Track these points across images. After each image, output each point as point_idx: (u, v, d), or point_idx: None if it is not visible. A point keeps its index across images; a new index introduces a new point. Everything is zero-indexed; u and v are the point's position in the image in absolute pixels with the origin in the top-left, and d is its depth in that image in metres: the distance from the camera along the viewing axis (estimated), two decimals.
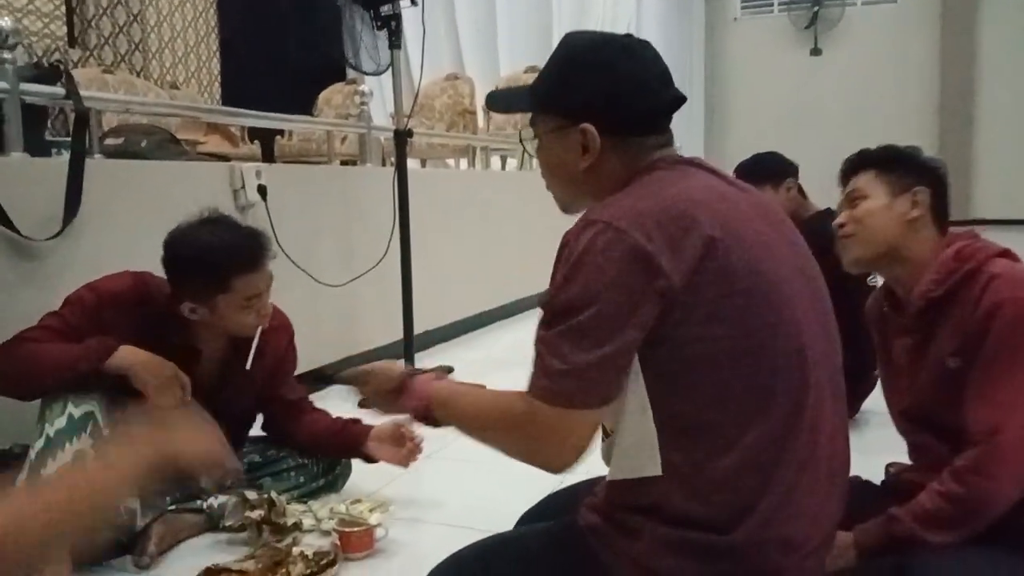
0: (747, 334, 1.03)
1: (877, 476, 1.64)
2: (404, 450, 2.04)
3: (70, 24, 6.81)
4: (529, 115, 1.25)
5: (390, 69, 3.25)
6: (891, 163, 1.51)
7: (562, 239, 1.08)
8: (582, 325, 1.02)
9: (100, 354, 1.72)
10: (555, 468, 1.09)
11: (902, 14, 8.84)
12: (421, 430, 1.97)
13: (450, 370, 3.54)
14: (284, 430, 2.13)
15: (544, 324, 1.06)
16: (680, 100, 1.17)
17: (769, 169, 2.78)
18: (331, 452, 2.13)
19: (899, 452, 1.62)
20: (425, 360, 3.55)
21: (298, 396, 2.17)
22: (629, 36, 1.19)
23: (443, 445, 2.57)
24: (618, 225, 1.02)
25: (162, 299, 1.89)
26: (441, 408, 1.22)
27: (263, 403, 2.11)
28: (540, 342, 1.06)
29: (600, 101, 1.14)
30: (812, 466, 1.07)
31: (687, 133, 7.75)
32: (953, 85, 8.49)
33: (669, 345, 1.02)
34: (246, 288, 1.84)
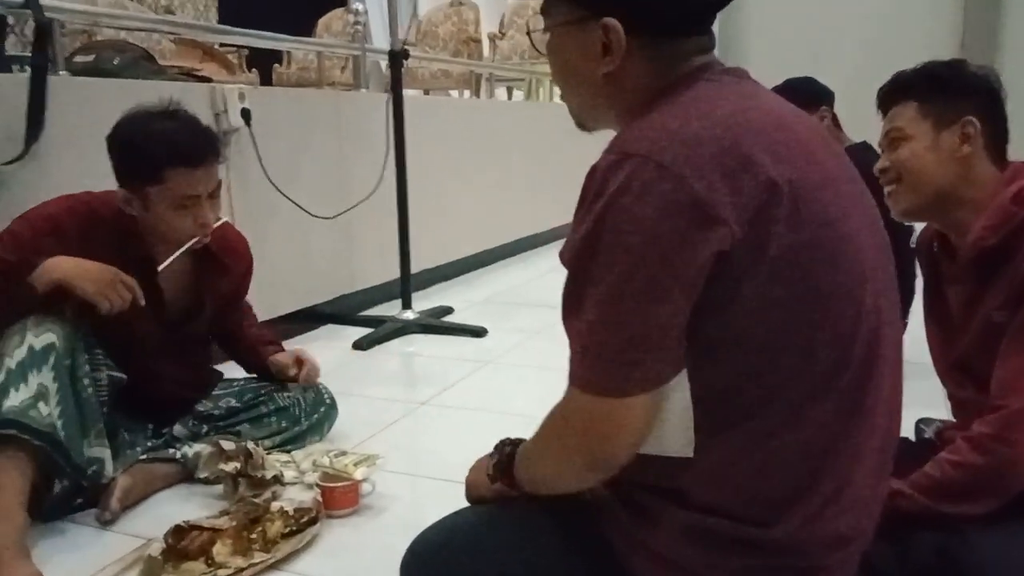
0: (810, 298, 0.83)
1: (907, 430, 1.49)
2: (303, 371, 2.00)
3: None
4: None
5: None
6: (932, 90, 1.30)
7: (588, 174, 0.85)
8: (616, 292, 0.81)
9: (20, 272, 1.55)
10: (606, 466, 0.90)
11: None
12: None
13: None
14: (227, 349, 2.06)
15: (569, 289, 0.86)
16: None
17: (803, 94, 2.56)
18: (249, 369, 2.07)
19: (928, 406, 1.47)
20: (421, 301, 3.38)
21: (247, 322, 2.08)
22: None
23: (441, 390, 2.43)
24: (661, 159, 0.79)
25: (108, 212, 1.72)
26: (517, 470, 1.04)
27: (216, 326, 1.99)
28: (567, 315, 0.86)
29: None
30: (867, 451, 0.89)
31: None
32: (976, 18, 8.23)
33: (717, 309, 0.81)
34: (180, 185, 1.67)
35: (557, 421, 0.92)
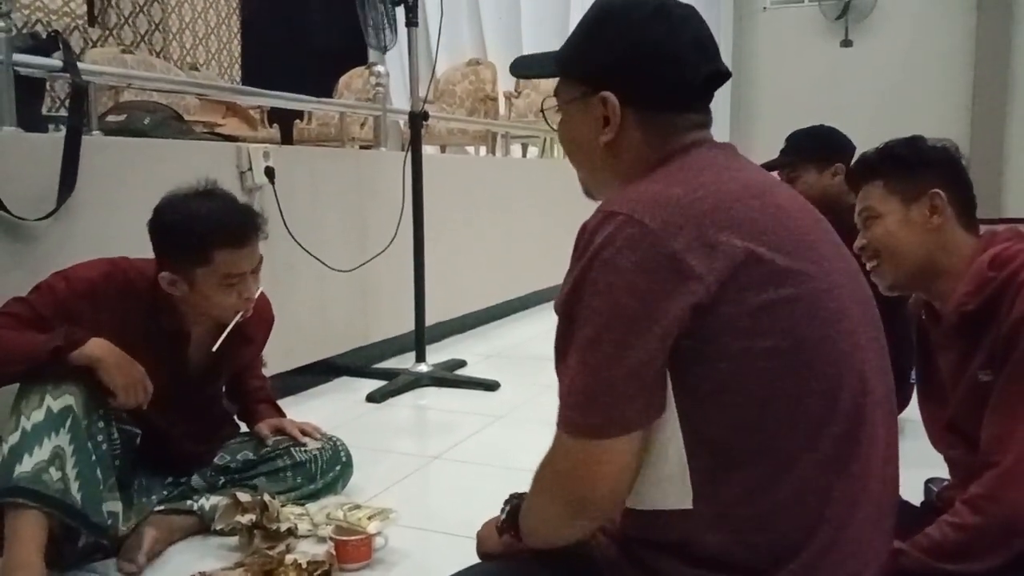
0: (796, 348, 0.88)
1: (915, 490, 1.51)
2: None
3: (90, 3, 6.73)
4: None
5: (408, 51, 3.14)
6: (895, 168, 1.36)
7: (579, 231, 0.93)
8: (596, 338, 0.87)
9: (67, 344, 1.61)
10: (589, 511, 0.93)
11: (937, 4, 8.62)
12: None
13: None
14: (228, 396, 2.10)
15: (559, 335, 0.92)
16: (721, 75, 1.01)
17: (822, 146, 2.59)
18: (242, 418, 2.12)
19: (939, 466, 1.49)
20: (435, 353, 3.42)
21: (258, 384, 2.12)
22: None
23: (452, 445, 2.46)
24: (640, 218, 0.87)
25: (143, 283, 1.77)
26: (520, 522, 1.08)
27: (229, 388, 2.07)
28: (557, 361, 0.92)
29: (622, 66, 0.98)
30: (864, 498, 0.92)
31: (712, 127, 7.53)
32: (987, 78, 8.29)
33: (703, 360, 0.87)
34: (228, 264, 1.73)
35: (544, 465, 0.97)
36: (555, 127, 1.10)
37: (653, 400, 0.88)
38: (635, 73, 0.98)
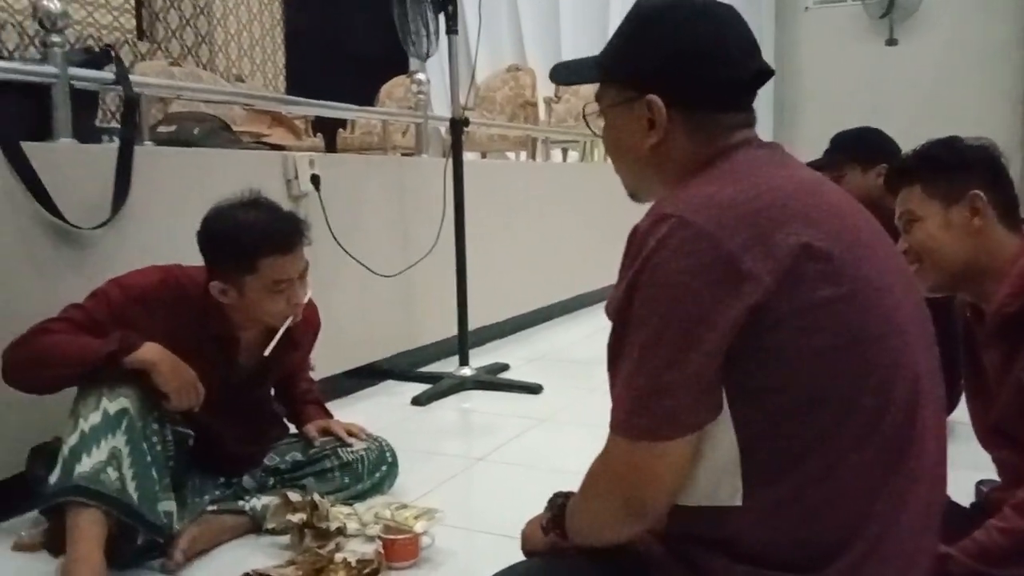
0: (850, 346, 0.87)
1: (966, 491, 1.49)
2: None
3: (139, 17, 6.90)
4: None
5: (448, 58, 3.17)
6: (933, 171, 1.35)
7: (629, 234, 0.93)
8: (651, 342, 0.87)
9: (122, 349, 1.66)
10: (644, 511, 0.94)
11: (984, 0, 8.43)
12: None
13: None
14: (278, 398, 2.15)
15: (612, 339, 0.92)
16: (765, 73, 1.01)
17: (867, 147, 2.58)
18: (290, 419, 2.16)
19: (990, 468, 1.47)
20: (478, 357, 3.44)
21: (306, 387, 2.17)
22: None
23: (496, 447, 2.48)
24: (694, 219, 0.87)
25: (195, 290, 1.82)
26: (567, 521, 1.08)
27: (278, 391, 2.13)
28: (611, 364, 0.93)
29: (667, 69, 0.99)
30: (914, 498, 0.92)
31: (756, 129, 7.45)
32: None
33: (757, 358, 0.86)
34: (275, 271, 1.77)
35: (598, 467, 0.97)
36: (598, 132, 1.11)
37: (710, 402, 0.88)
38: (679, 74, 0.99)
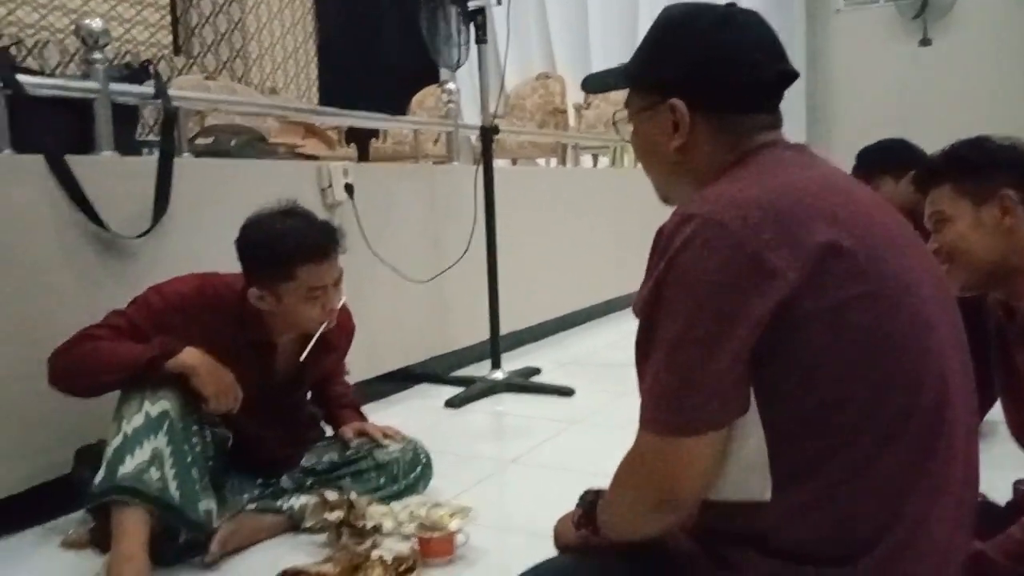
0: (878, 344, 0.88)
1: (1004, 491, 1.48)
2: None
3: (175, 33, 7.05)
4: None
5: (478, 67, 3.21)
6: (962, 171, 1.35)
7: (656, 234, 0.95)
8: (679, 339, 0.89)
9: (163, 354, 1.71)
10: (674, 506, 0.95)
11: None
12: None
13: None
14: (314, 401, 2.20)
15: (640, 337, 0.94)
16: (789, 76, 1.03)
17: (896, 157, 2.59)
18: (327, 422, 2.20)
19: None
20: (510, 361, 3.47)
21: (341, 391, 2.21)
22: (732, 5, 1.06)
23: (529, 449, 2.50)
24: (719, 218, 0.88)
25: (232, 297, 1.87)
26: (599, 516, 1.11)
27: (315, 394, 2.17)
28: (639, 361, 0.95)
29: (690, 73, 1.01)
30: (944, 495, 0.92)
31: (787, 132, 7.35)
32: None
33: (784, 356, 0.87)
34: (311, 278, 1.81)
35: (627, 463, 0.99)
36: (626, 137, 1.14)
37: (738, 398, 0.89)
38: (701, 79, 1.01)
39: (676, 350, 0.89)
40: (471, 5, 3.04)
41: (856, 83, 8.85)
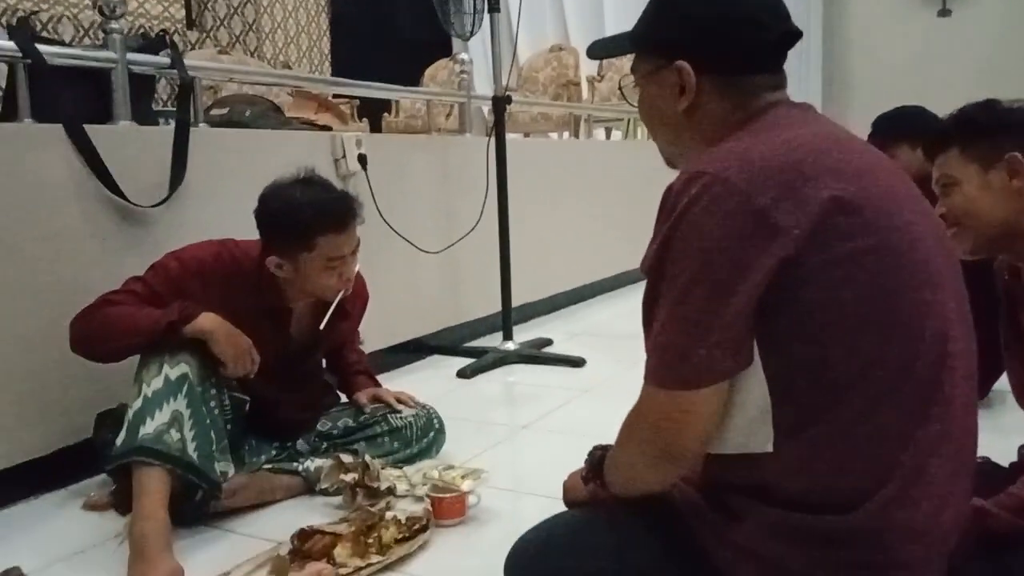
0: (880, 297, 0.90)
1: (1010, 456, 1.50)
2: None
3: (188, 7, 7.05)
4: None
5: (491, 36, 3.21)
6: (970, 134, 1.35)
7: (664, 193, 0.97)
8: (685, 294, 0.91)
9: (182, 318, 1.74)
10: (678, 458, 0.98)
11: None
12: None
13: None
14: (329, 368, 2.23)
15: (647, 293, 0.97)
16: (792, 35, 1.04)
17: (912, 124, 2.58)
18: (341, 389, 2.24)
19: None
20: (522, 333, 3.49)
21: (355, 358, 2.25)
22: None
23: (540, 416, 2.54)
24: (726, 176, 0.90)
25: (249, 263, 1.90)
26: (606, 471, 1.14)
27: (330, 362, 2.22)
28: (645, 317, 0.97)
29: (694, 35, 1.03)
30: (943, 446, 0.94)
31: (805, 102, 7.28)
32: None
33: (787, 309, 0.90)
34: (329, 248, 1.84)
35: (633, 417, 1.02)
36: (634, 103, 1.15)
37: (741, 352, 0.92)
38: (706, 40, 1.03)
39: (681, 305, 0.92)
40: None
41: (874, 54, 8.74)
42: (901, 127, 2.60)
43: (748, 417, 0.95)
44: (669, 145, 1.13)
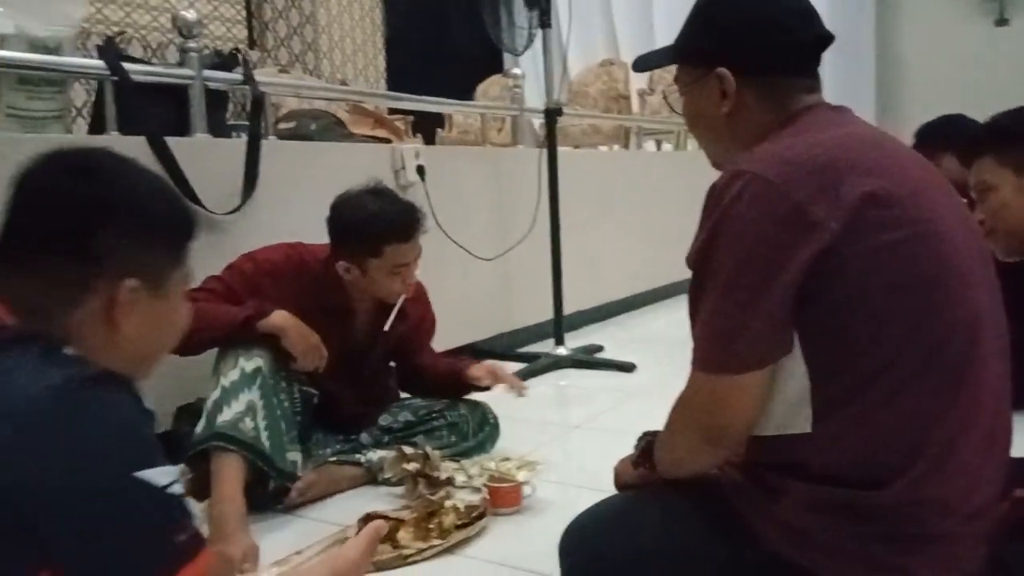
0: (912, 285, 0.97)
1: None
2: (507, 382, 2.19)
3: (250, 28, 7.31)
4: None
5: (542, 51, 3.31)
6: (1003, 141, 1.40)
7: (708, 190, 1.05)
8: (729, 284, 0.98)
9: (256, 314, 1.88)
10: (724, 440, 1.05)
11: None
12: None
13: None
14: (416, 387, 2.31)
15: (693, 285, 1.05)
16: (824, 39, 1.12)
17: (956, 132, 2.59)
18: (447, 391, 2.26)
19: None
20: (573, 340, 3.57)
21: (432, 360, 2.31)
22: None
23: (592, 416, 2.61)
24: (766, 175, 0.98)
25: (316, 265, 2.04)
26: (655, 454, 1.22)
27: (399, 363, 2.29)
28: (691, 308, 1.05)
29: (731, 42, 1.12)
30: (973, 427, 1.00)
31: (858, 112, 7.22)
32: None
33: (825, 299, 0.96)
34: (396, 257, 1.97)
35: (681, 402, 1.10)
36: (678, 110, 1.24)
37: (782, 338, 0.99)
38: (744, 46, 1.11)
39: (726, 295, 1.00)
40: None
41: (929, 65, 8.62)
42: (946, 136, 2.61)
43: (789, 400, 1.02)
44: (714, 148, 1.21)
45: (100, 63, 2.19)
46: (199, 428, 1.82)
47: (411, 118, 5.37)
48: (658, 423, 1.19)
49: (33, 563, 0.71)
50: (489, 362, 2.27)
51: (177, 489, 0.78)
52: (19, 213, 0.86)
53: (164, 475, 0.77)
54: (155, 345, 0.95)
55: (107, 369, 0.81)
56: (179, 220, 0.97)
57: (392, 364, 2.30)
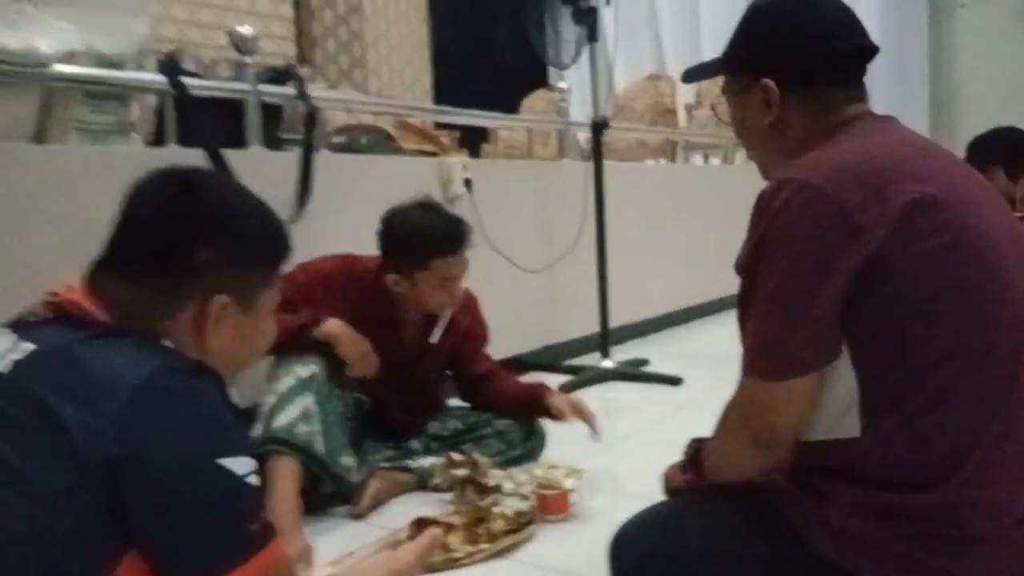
0: (958, 291, 0.97)
1: None
2: (583, 414, 2.16)
3: (299, 45, 7.45)
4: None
5: (590, 65, 3.34)
6: None
7: (757, 198, 1.06)
8: (778, 291, 0.99)
9: (311, 322, 1.93)
10: (773, 445, 1.05)
11: None
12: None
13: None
14: (475, 397, 2.31)
15: (741, 292, 1.06)
16: (868, 50, 1.14)
17: (1008, 147, 2.55)
18: (518, 412, 2.26)
19: None
20: (619, 353, 3.57)
21: (487, 368, 2.32)
22: None
23: (639, 429, 2.61)
24: (813, 182, 0.99)
25: (367, 276, 2.08)
26: (703, 459, 1.22)
27: (455, 374, 2.30)
28: (741, 314, 1.06)
29: (775, 54, 1.13)
30: (1021, 428, 1.00)
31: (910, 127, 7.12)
32: None
33: (874, 304, 0.97)
34: (443, 270, 2.01)
35: (731, 406, 1.10)
36: (726, 120, 1.26)
37: (831, 344, 0.99)
38: (787, 58, 1.13)
39: (775, 301, 1.01)
40: (583, 4, 3.16)
41: (982, 79, 8.48)
42: (997, 149, 2.57)
43: (837, 405, 1.02)
44: (762, 157, 1.23)
45: (161, 78, 2.27)
46: (256, 432, 1.87)
47: (457, 133, 5.43)
48: (706, 433, 1.20)
49: (118, 542, 0.74)
50: (574, 396, 2.27)
51: (254, 480, 0.81)
52: (127, 224, 0.91)
53: (243, 465, 0.80)
54: (239, 358, 1.00)
55: (200, 360, 0.85)
56: (273, 243, 1.02)
57: (449, 373, 2.33)
